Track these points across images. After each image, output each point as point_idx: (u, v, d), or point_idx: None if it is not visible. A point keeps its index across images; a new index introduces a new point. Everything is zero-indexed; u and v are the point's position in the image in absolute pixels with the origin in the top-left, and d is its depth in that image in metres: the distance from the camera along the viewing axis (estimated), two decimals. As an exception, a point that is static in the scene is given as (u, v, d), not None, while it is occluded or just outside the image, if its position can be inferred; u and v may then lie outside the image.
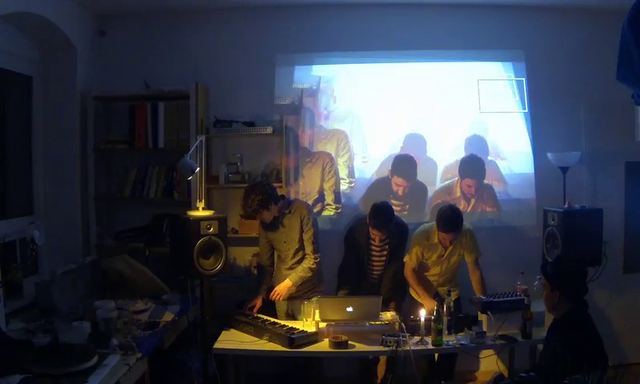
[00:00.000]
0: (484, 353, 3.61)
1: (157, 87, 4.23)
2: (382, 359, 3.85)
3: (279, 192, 3.76)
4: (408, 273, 3.83)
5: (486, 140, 4.49)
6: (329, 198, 4.44)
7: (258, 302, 3.70)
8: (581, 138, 4.48)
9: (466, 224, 3.80)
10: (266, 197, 3.52)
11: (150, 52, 4.41)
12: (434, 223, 3.78)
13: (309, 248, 3.66)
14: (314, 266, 3.65)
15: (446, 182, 4.50)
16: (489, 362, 3.83)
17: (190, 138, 4.07)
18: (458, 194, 4.46)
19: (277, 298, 3.65)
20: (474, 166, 4.43)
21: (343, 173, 4.46)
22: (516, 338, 3.28)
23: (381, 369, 3.90)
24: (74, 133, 4.13)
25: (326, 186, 4.44)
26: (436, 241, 3.75)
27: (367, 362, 3.93)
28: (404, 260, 3.86)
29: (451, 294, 3.60)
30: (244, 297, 3.87)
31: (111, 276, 3.73)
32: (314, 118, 4.46)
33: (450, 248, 3.76)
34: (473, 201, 4.46)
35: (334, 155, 4.45)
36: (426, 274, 3.88)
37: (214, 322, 3.74)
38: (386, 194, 4.37)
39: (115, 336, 2.86)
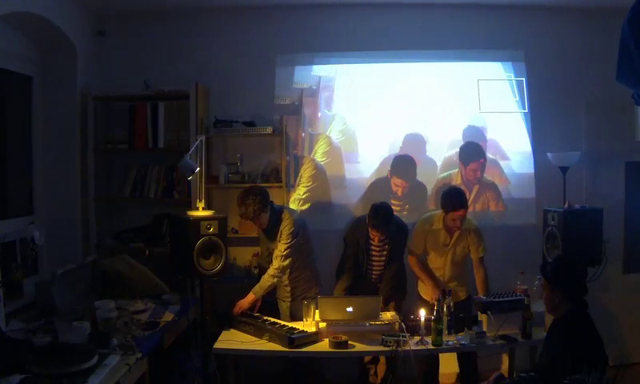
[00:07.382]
0: (484, 353, 3.61)
1: (157, 87, 4.23)
2: (382, 359, 3.85)
3: (277, 192, 3.75)
4: (412, 262, 3.84)
5: (480, 127, 4.50)
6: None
7: (258, 302, 3.69)
8: (581, 138, 4.48)
9: (474, 222, 3.84)
10: (264, 197, 3.58)
11: (150, 52, 4.41)
12: (437, 211, 3.79)
13: (276, 253, 3.61)
14: (274, 272, 3.59)
15: (445, 173, 4.50)
16: (489, 362, 3.83)
17: (189, 137, 4.07)
18: (459, 182, 4.46)
19: (237, 311, 3.57)
20: (474, 149, 4.44)
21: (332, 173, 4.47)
22: (516, 337, 3.28)
23: (381, 369, 3.90)
24: (74, 133, 4.13)
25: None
26: (440, 226, 3.76)
27: (366, 361, 3.93)
28: (408, 248, 3.86)
29: (458, 293, 3.58)
30: (244, 297, 3.86)
31: (111, 276, 3.73)
32: (306, 121, 4.46)
33: (456, 235, 3.75)
34: (476, 187, 4.45)
35: (316, 157, 4.44)
36: (432, 267, 3.88)
37: (214, 322, 3.74)
38: (385, 194, 4.37)
39: (115, 336, 2.85)
